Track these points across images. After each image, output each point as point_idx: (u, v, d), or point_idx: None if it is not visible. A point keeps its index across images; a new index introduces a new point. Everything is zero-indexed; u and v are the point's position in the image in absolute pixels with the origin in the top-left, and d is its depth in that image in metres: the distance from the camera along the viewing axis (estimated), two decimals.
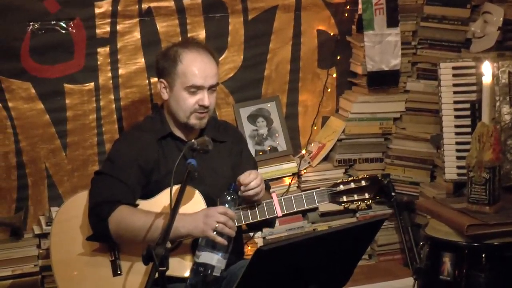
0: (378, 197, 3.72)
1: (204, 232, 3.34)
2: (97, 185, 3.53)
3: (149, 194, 3.54)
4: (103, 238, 3.46)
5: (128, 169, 3.51)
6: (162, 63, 3.64)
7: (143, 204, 3.50)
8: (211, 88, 3.60)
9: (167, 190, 3.21)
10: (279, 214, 3.59)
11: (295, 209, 3.63)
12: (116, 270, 3.50)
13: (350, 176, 4.62)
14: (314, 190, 3.66)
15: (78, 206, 3.57)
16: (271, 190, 3.94)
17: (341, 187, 3.67)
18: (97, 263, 3.52)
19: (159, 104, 3.81)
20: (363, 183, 3.68)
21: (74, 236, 3.55)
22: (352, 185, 3.68)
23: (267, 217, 3.58)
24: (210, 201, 3.52)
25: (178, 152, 3.50)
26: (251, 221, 3.56)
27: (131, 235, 3.41)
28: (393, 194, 3.76)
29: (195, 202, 3.49)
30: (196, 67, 3.56)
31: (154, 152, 3.59)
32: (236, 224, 3.45)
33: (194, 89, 3.56)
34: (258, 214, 3.56)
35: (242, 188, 3.49)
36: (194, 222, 3.36)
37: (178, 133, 3.66)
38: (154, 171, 3.56)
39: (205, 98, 3.57)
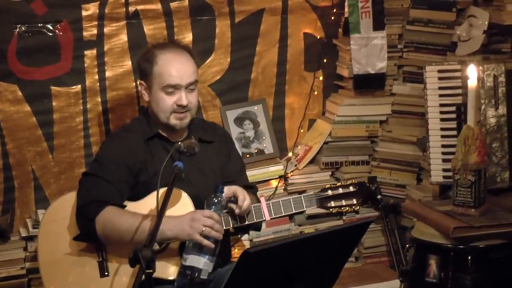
0: (366, 203, 3.76)
1: (190, 235, 3.34)
2: (85, 185, 3.53)
3: (137, 195, 3.54)
4: (90, 238, 3.46)
5: (116, 170, 3.51)
6: (141, 65, 3.66)
7: (131, 206, 3.49)
8: (189, 87, 3.59)
9: (155, 193, 3.22)
10: (267, 218, 3.60)
11: (283, 214, 3.65)
12: (103, 271, 3.50)
13: (338, 180, 4.65)
14: (302, 195, 3.68)
15: (65, 207, 3.56)
16: (258, 193, 3.95)
17: (329, 192, 3.69)
18: (84, 264, 3.51)
19: (145, 107, 3.82)
20: (351, 188, 3.71)
21: (61, 237, 3.54)
22: (340, 190, 3.70)
23: (255, 221, 3.59)
24: (198, 202, 3.52)
25: (165, 152, 3.52)
26: (239, 225, 3.57)
27: (117, 236, 3.41)
28: (379, 197, 3.78)
29: (183, 204, 3.49)
30: (172, 67, 3.56)
31: (141, 153, 3.59)
32: (224, 227, 3.47)
33: (171, 89, 3.56)
34: (246, 218, 3.58)
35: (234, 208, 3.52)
36: (181, 226, 3.36)
37: (164, 133, 3.67)
38: (142, 171, 3.57)
39: (183, 97, 3.56)
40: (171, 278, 3.41)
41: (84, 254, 3.52)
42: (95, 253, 3.51)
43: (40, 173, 4.28)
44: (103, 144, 3.72)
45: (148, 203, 3.45)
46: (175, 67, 3.57)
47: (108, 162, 3.54)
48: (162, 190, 3.17)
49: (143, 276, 2.88)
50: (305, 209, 3.68)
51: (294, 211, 3.65)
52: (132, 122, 3.82)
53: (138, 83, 3.69)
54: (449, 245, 3.53)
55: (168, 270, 3.42)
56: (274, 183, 4.63)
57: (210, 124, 3.91)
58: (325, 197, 3.68)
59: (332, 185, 3.72)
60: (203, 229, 3.33)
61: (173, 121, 3.59)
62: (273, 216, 3.61)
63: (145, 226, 3.36)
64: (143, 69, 3.63)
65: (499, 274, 3.51)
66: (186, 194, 3.50)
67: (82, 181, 3.56)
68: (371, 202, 3.81)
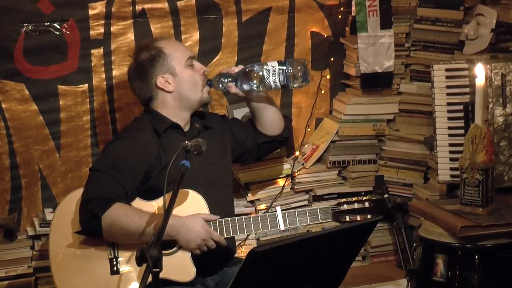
0: (381, 220, 3.84)
1: (191, 249, 3.47)
2: (92, 180, 3.54)
3: (151, 188, 3.55)
4: (93, 234, 3.46)
5: (125, 170, 3.53)
6: (152, 66, 3.71)
7: (144, 204, 3.52)
8: None
9: (167, 195, 3.22)
10: (282, 228, 3.62)
11: (298, 224, 3.69)
12: (114, 268, 3.50)
13: (345, 178, 4.67)
14: (318, 207, 3.73)
15: (78, 201, 3.54)
16: (264, 193, 3.97)
17: (345, 206, 3.73)
18: (95, 260, 3.52)
19: (149, 106, 3.82)
20: (367, 204, 3.75)
21: (73, 231, 3.53)
22: (356, 205, 3.74)
23: (269, 229, 3.63)
24: (205, 191, 3.57)
25: (178, 143, 3.50)
26: (253, 231, 3.59)
27: (125, 236, 3.43)
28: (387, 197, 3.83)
29: (198, 208, 3.54)
30: (177, 44, 3.84)
31: (154, 149, 3.62)
32: (238, 234, 3.57)
33: (191, 59, 3.73)
34: (260, 226, 3.60)
35: None
36: (189, 236, 3.46)
37: (177, 120, 3.73)
38: (155, 166, 3.59)
39: (201, 65, 3.79)
40: (185, 280, 3.45)
41: (96, 250, 3.52)
42: (107, 250, 3.52)
43: (47, 172, 4.28)
44: (113, 142, 3.71)
45: (161, 203, 3.47)
46: (179, 44, 3.92)
47: (117, 161, 3.55)
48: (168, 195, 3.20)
49: (150, 275, 2.89)
50: (320, 221, 3.71)
51: (308, 223, 3.69)
52: (138, 121, 3.80)
53: (154, 82, 3.71)
54: (456, 244, 3.52)
55: (182, 272, 3.46)
56: (281, 182, 4.62)
57: (204, 112, 4.00)
58: (340, 211, 3.72)
59: (348, 200, 3.77)
60: (205, 248, 3.46)
61: (205, 94, 3.76)
62: (288, 226, 3.63)
63: (154, 229, 3.37)
64: (156, 67, 3.70)
65: (506, 273, 3.50)
66: (202, 197, 3.55)
67: (90, 176, 3.57)
68: (386, 219, 3.96)
